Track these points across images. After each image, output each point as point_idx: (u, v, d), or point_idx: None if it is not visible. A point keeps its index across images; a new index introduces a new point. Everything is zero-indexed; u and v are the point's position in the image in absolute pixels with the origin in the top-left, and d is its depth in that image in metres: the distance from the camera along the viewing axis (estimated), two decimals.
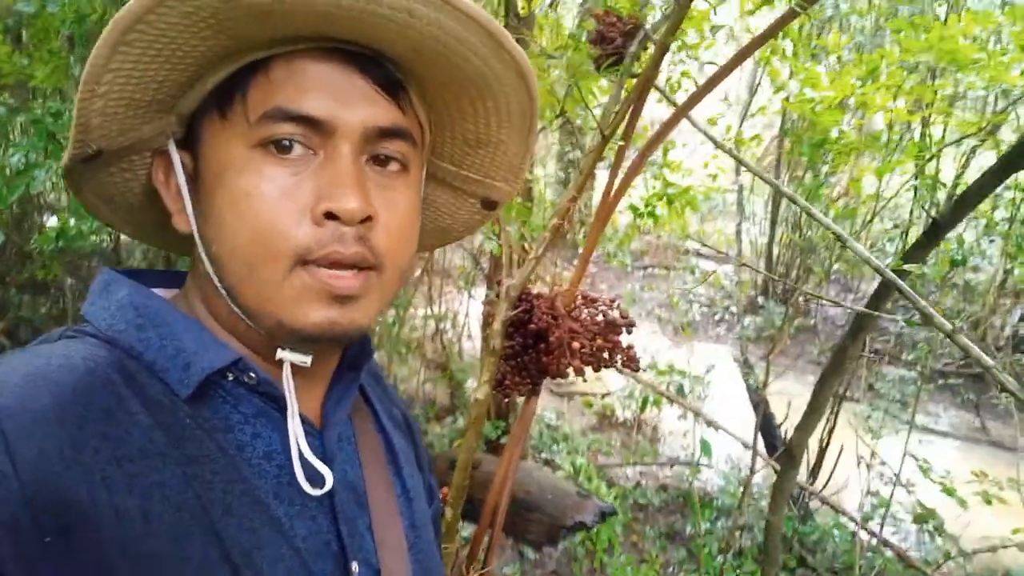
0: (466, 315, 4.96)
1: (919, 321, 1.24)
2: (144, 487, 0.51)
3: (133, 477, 0.51)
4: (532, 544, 2.77)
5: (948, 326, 1.12)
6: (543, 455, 4.46)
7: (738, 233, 6.87)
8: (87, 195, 0.67)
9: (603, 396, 5.90)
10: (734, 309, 7.97)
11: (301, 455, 0.61)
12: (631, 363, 1.04)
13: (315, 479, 0.62)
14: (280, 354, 0.62)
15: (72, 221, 2.87)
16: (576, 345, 1.02)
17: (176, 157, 0.63)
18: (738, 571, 4.07)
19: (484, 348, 3.88)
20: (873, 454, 4.39)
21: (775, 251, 8.23)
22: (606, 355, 1.05)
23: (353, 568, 0.64)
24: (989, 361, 1.11)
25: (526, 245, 2.22)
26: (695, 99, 1.17)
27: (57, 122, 2.51)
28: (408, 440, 0.84)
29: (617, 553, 3.45)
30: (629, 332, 1.09)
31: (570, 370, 1.06)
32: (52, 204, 4.92)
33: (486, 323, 4.14)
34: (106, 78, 0.55)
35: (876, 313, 1.56)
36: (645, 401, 4.38)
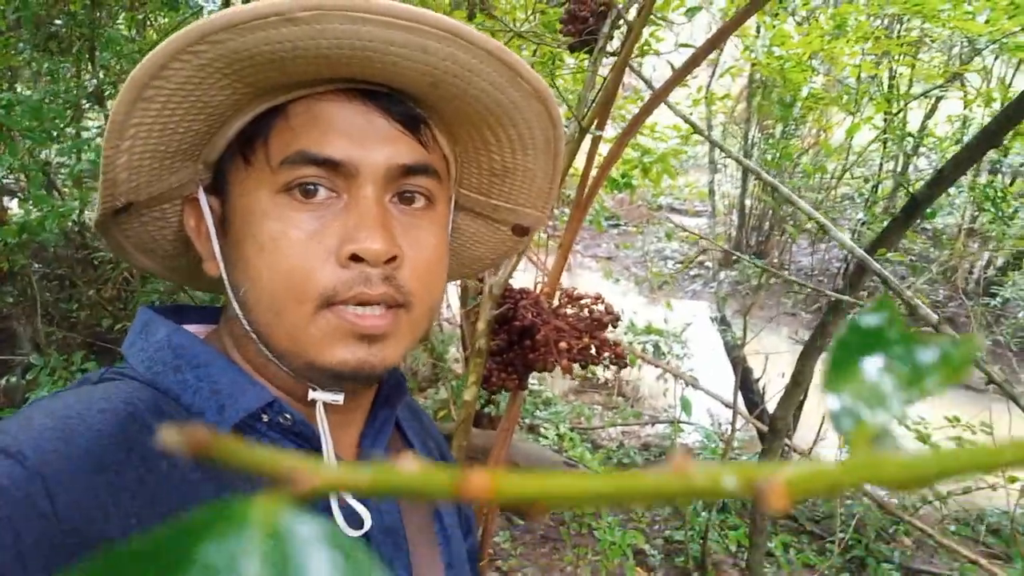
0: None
1: (904, 312, 1.26)
2: None
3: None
4: (521, 515, 2.80)
5: (934, 317, 1.13)
6: (527, 420, 4.50)
7: (711, 190, 6.88)
8: (124, 246, 0.67)
9: None
10: (709, 264, 8.02)
11: (339, 496, 0.61)
12: (619, 360, 1.04)
13: (352, 520, 0.61)
14: (312, 394, 0.62)
15: (35, 212, 2.79)
16: (563, 345, 1.01)
17: (205, 203, 0.62)
18: (722, 525, 4.16)
19: (463, 317, 3.87)
20: None
21: (747, 203, 8.27)
22: (593, 352, 1.04)
23: None
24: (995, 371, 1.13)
25: None
26: (672, 83, 1.15)
27: (8, 115, 2.41)
28: None
29: (604, 515, 3.50)
30: (615, 327, 1.08)
31: (557, 368, 1.05)
32: (11, 188, 4.80)
33: (464, 294, 4.12)
34: (128, 132, 0.55)
35: (856, 300, 1.57)
36: None
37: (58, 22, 3.27)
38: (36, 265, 4.52)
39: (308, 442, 0.62)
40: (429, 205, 0.62)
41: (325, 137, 0.56)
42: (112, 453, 0.51)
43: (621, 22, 1.28)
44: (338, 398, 0.63)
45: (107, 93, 3.14)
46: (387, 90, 0.58)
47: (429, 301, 0.62)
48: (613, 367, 1.05)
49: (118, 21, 3.44)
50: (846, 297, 1.51)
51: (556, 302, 1.07)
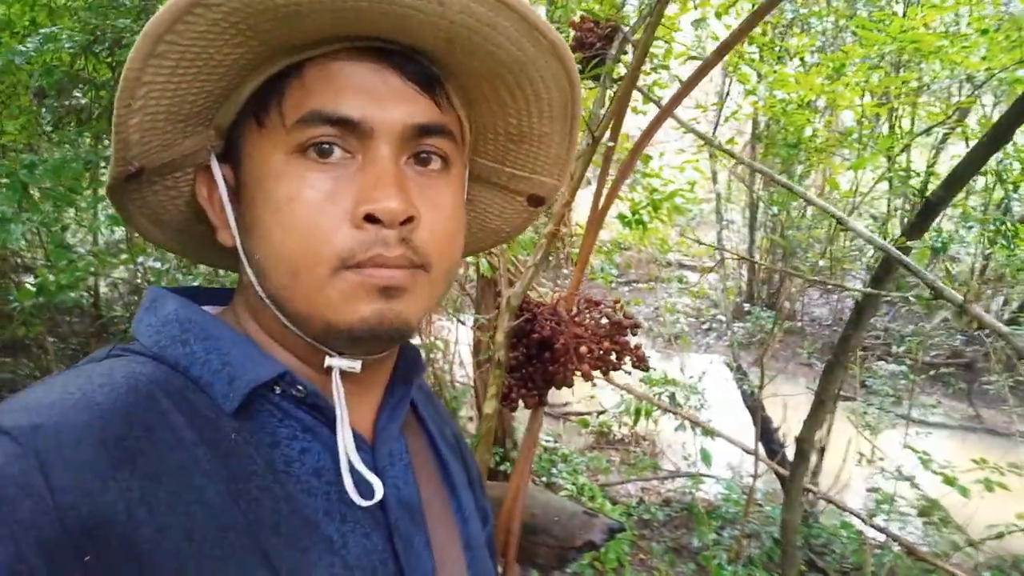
0: (456, 342, 4.93)
1: (929, 296, 1.24)
2: (187, 505, 0.50)
3: (175, 494, 0.50)
4: (540, 568, 2.71)
5: (959, 298, 1.11)
6: (543, 479, 4.41)
7: (719, 241, 6.91)
8: (136, 217, 0.66)
9: (598, 414, 5.86)
10: (721, 317, 7.98)
11: (351, 464, 0.59)
12: (641, 363, 1.02)
13: (365, 491, 0.59)
14: (329, 361, 0.60)
15: (51, 276, 2.82)
16: (583, 350, 0.99)
17: (217, 170, 0.62)
18: None
19: (475, 372, 3.83)
20: (873, 450, 4.38)
21: (756, 256, 8.29)
22: (614, 357, 1.03)
23: None
24: (1004, 328, 1.11)
25: (517, 258, 2.20)
26: (680, 96, 1.17)
27: (32, 174, 2.47)
28: (459, 460, 0.81)
29: (627, 572, 3.39)
30: (635, 333, 1.07)
31: (576, 376, 1.03)
32: (29, 264, 4.88)
33: (476, 349, 4.10)
34: (140, 92, 0.54)
35: (884, 293, 1.55)
36: (638, 413, 4.35)
37: (77, 94, 3.37)
38: (51, 339, 4.55)
39: (322, 413, 0.60)
40: (445, 167, 0.61)
41: (340, 96, 0.56)
42: (113, 427, 0.50)
43: (628, 46, 1.31)
44: (355, 365, 0.61)
45: None
46: (403, 48, 0.57)
47: (447, 264, 0.61)
48: (636, 369, 1.03)
49: None
50: (872, 291, 1.49)
51: (575, 309, 1.06)
